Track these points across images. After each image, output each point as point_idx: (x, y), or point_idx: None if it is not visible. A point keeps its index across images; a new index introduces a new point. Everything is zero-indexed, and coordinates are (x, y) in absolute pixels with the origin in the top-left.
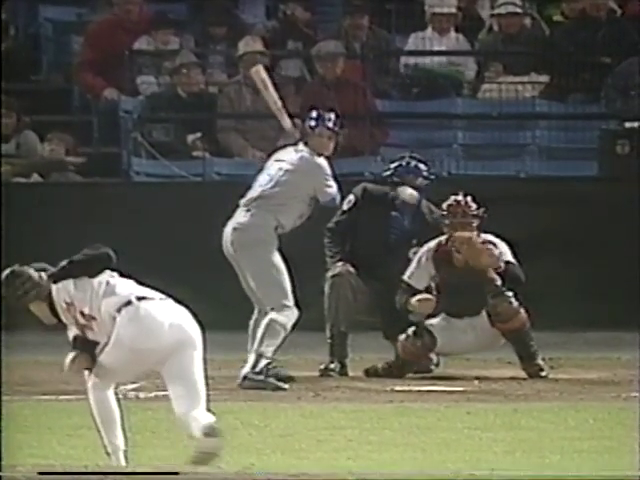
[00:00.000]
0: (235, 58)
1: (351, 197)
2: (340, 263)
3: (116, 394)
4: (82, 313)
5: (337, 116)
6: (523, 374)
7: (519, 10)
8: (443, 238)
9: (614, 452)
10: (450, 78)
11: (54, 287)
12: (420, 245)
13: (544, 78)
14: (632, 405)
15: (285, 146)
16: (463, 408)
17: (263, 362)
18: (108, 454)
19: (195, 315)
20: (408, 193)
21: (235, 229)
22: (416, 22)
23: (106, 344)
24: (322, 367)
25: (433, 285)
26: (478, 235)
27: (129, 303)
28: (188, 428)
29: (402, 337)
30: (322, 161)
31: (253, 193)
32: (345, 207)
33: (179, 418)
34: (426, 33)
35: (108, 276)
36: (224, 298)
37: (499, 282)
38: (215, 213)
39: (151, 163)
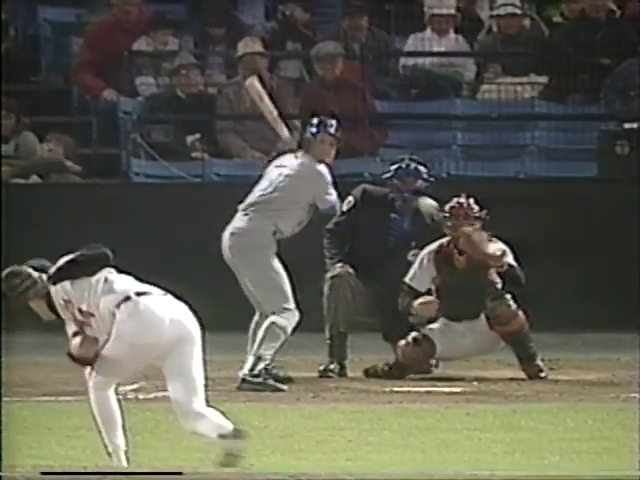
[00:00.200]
0: (234, 59)
1: (350, 198)
2: (339, 264)
3: (116, 394)
4: (80, 310)
5: (338, 122)
6: (522, 375)
7: (518, 11)
8: (445, 240)
9: (613, 453)
10: (449, 79)
11: (52, 287)
12: (419, 247)
13: (543, 79)
14: (631, 406)
15: (286, 152)
16: (462, 409)
17: (261, 365)
18: (109, 454)
19: (194, 311)
20: (428, 204)
21: (233, 234)
22: (415, 23)
23: (107, 341)
24: (321, 368)
25: (433, 287)
26: None
27: (128, 299)
28: (191, 426)
29: (402, 343)
30: (323, 168)
31: (252, 198)
32: (344, 208)
33: (180, 415)
34: (425, 34)
35: (106, 273)
36: (223, 299)
37: (499, 285)
38: (214, 214)
39: (150, 164)
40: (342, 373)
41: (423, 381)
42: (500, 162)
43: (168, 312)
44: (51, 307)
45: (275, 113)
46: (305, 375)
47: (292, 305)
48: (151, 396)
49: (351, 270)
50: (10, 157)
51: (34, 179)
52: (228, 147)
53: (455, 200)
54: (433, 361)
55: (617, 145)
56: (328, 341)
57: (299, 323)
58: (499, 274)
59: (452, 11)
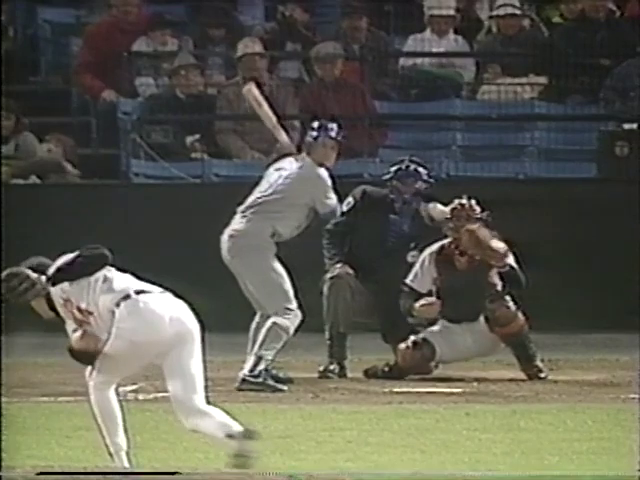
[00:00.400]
0: (234, 60)
1: (350, 199)
2: (339, 265)
3: (116, 395)
4: (79, 309)
5: (339, 125)
6: (522, 375)
7: (518, 12)
8: (446, 241)
9: (613, 453)
10: (449, 80)
11: (51, 288)
12: (419, 249)
13: (543, 80)
14: (631, 407)
15: (286, 155)
16: (462, 409)
17: (261, 365)
18: (110, 454)
19: (193, 309)
20: (439, 210)
21: (231, 236)
22: (415, 24)
23: (107, 339)
24: (321, 369)
25: (434, 289)
26: None
27: (128, 297)
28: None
29: (402, 346)
30: (323, 172)
31: (251, 200)
32: (344, 209)
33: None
34: (425, 35)
35: (105, 271)
36: (223, 299)
37: (499, 287)
38: (214, 214)
39: (150, 164)
40: (342, 374)
41: (423, 382)
42: (500, 163)
43: (168, 310)
44: (51, 306)
45: (274, 119)
46: (305, 376)
47: (294, 305)
48: (151, 397)
49: (351, 271)
50: (10, 158)
51: (34, 180)
52: (228, 147)
53: (457, 201)
54: (433, 364)
55: (616, 146)
56: (328, 342)
57: (301, 323)
58: (500, 276)
59: (452, 12)
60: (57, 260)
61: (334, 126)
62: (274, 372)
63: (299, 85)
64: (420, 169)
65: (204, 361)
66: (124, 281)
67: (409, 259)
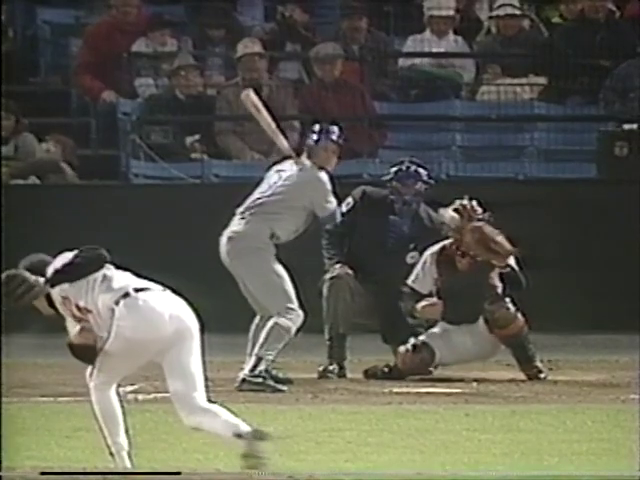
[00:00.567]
0: (233, 60)
1: (350, 200)
2: (338, 265)
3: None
4: (77, 307)
5: (340, 128)
6: (522, 376)
7: (517, 12)
8: (447, 242)
9: (612, 454)
10: (448, 80)
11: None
12: (418, 250)
13: (542, 80)
14: (631, 407)
15: (287, 157)
16: (462, 410)
17: (262, 365)
18: (112, 454)
19: (193, 307)
20: (449, 216)
21: (230, 238)
22: (414, 24)
23: (107, 338)
24: (321, 369)
25: (435, 290)
26: None
27: (127, 295)
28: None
29: (401, 350)
30: (323, 175)
31: (249, 202)
32: (344, 209)
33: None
34: (424, 35)
35: (104, 270)
36: (223, 300)
37: (499, 289)
38: (214, 215)
39: (150, 165)
40: (341, 374)
41: (422, 382)
42: (499, 163)
43: (167, 308)
44: (50, 303)
45: (273, 125)
46: (304, 376)
47: (296, 305)
48: (150, 397)
49: (350, 271)
50: (10, 158)
51: (33, 180)
52: (227, 148)
53: (458, 202)
54: (432, 367)
55: (616, 146)
56: (327, 342)
57: (303, 324)
58: (500, 277)
59: (451, 12)
60: (56, 258)
61: (335, 129)
62: (274, 373)
63: (299, 86)
64: (420, 170)
65: (204, 362)
66: (123, 279)
67: (408, 260)
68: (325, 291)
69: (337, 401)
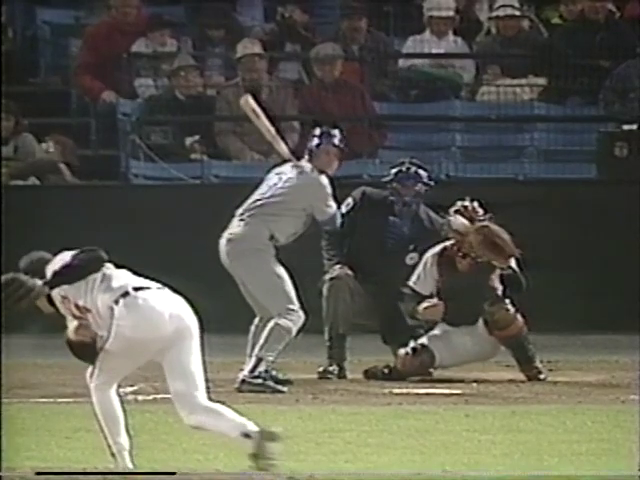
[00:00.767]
0: (233, 61)
1: (350, 200)
2: (338, 266)
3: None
4: (76, 305)
5: (342, 132)
6: (521, 377)
7: (517, 13)
8: (449, 243)
9: (612, 455)
10: (448, 81)
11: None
12: (417, 251)
13: (542, 81)
14: (630, 408)
15: (286, 161)
16: (462, 411)
17: (262, 366)
18: (113, 455)
19: (192, 306)
20: (460, 223)
21: (230, 240)
22: (414, 25)
23: (107, 338)
24: (320, 370)
25: (436, 291)
26: None
27: (126, 294)
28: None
29: (401, 352)
30: (324, 179)
31: (249, 203)
32: (343, 210)
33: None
34: (424, 36)
35: (104, 269)
36: (223, 301)
37: (499, 290)
38: (214, 215)
39: (149, 165)
40: (341, 375)
41: (422, 383)
42: (499, 164)
43: (167, 306)
44: (51, 302)
45: (272, 130)
46: (304, 377)
47: (297, 306)
48: (150, 398)
49: (350, 272)
50: (9, 159)
51: (33, 181)
52: (227, 149)
53: (460, 204)
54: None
55: (616, 147)
56: (327, 343)
57: (303, 325)
58: (501, 279)
59: (451, 13)
60: (56, 256)
61: (337, 133)
62: (274, 373)
63: (298, 86)
64: (420, 171)
65: (203, 362)
66: (122, 278)
67: (408, 261)
68: (325, 292)
69: (337, 402)
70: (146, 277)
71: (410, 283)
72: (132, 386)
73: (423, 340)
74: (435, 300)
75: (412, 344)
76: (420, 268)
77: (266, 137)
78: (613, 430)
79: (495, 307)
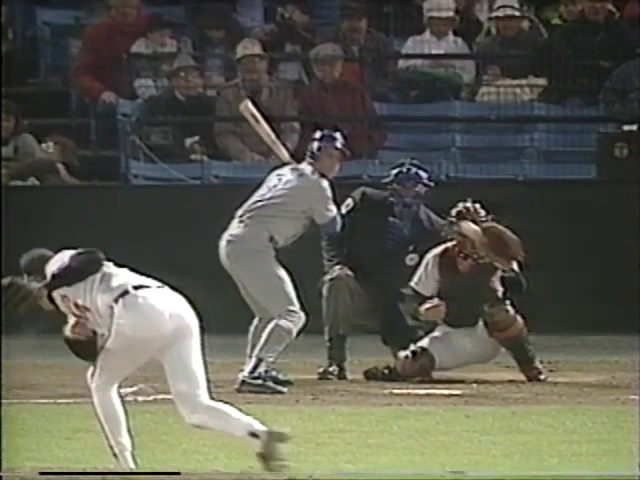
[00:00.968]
0: (233, 61)
1: (349, 201)
2: (338, 266)
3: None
4: (76, 304)
5: (343, 135)
6: (521, 377)
7: (517, 13)
8: (450, 244)
9: (612, 455)
10: (448, 81)
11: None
12: (417, 252)
13: (542, 81)
14: (630, 408)
15: (286, 164)
16: (462, 411)
17: (262, 367)
18: (115, 455)
19: (192, 304)
20: (472, 230)
21: (229, 241)
22: (414, 25)
23: (107, 337)
24: (321, 370)
25: (436, 292)
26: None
27: (126, 293)
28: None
29: (401, 355)
30: (324, 182)
31: (248, 204)
32: (343, 211)
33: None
34: (424, 36)
35: (103, 268)
36: (223, 301)
37: (500, 292)
38: (214, 216)
39: (149, 166)
40: (341, 375)
41: (422, 383)
42: (499, 164)
43: (167, 305)
44: (52, 300)
45: (272, 135)
46: (304, 377)
47: (297, 307)
48: (150, 398)
49: (350, 272)
50: (9, 159)
51: (33, 181)
52: (227, 149)
53: (461, 205)
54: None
55: (616, 147)
56: (327, 343)
57: (304, 325)
58: (501, 281)
59: (451, 13)
60: (56, 256)
61: (338, 136)
62: (274, 374)
63: (298, 87)
64: (421, 172)
65: (204, 363)
66: (122, 277)
67: (408, 262)
68: (325, 292)
69: (337, 402)
70: (146, 275)
71: (412, 284)
72: (132, 387)
73: (423, 343)
74: (437, 301)
75: (412, 347)
76: (421, 269)
77: (266, 142)
78: (613, 431)
79: (495, 308)
